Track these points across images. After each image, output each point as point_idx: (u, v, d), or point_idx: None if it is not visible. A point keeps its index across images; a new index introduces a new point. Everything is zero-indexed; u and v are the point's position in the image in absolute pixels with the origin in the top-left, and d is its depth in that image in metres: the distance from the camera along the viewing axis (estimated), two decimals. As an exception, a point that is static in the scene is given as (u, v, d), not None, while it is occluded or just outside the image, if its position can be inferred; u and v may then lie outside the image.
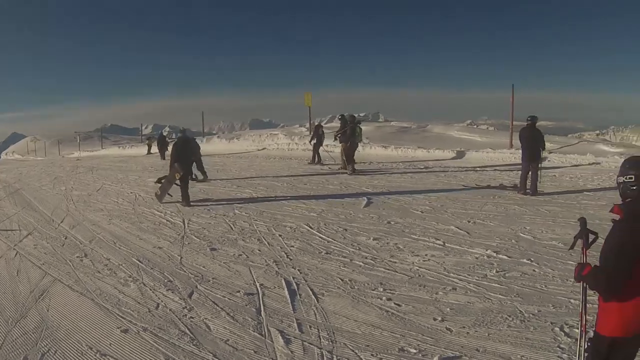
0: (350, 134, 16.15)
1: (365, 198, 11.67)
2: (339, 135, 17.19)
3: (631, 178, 3.14)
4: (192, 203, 11.80)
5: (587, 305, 3.45)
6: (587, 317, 3.43)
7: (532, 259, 7.19)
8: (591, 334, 3.36)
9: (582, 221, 3.66)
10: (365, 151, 21.18)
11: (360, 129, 16.38)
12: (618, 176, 3.25)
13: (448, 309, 5.58)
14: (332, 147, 19.75)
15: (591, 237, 3.61)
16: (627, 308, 3.05)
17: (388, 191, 12.73)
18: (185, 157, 12.18)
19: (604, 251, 3.09)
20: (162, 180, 12.40)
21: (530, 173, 11.93)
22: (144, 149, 32.12)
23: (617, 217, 3.20)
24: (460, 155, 20.14)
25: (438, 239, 8.22)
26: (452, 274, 6.65)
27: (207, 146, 26.49)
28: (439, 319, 5.34)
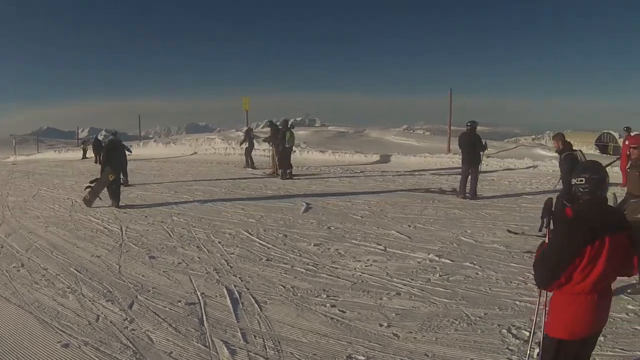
0: (281, 139, 16.14)
1: (304, 203, 11.51)
2: (269, 141, 17.18)
3: (582, 180, 3.27)
4: (129, 209, 11.42)
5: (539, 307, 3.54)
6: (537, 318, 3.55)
7: (475, 262, 7.19)
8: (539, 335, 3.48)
9: (548, 202, 3.72)
10: (303, 156, 21.12)
11: (292, 133, 16.26)
12: (571, 178, 3.36)
13: (393, 314, 5.47)
14: (263, 152, 19.72)
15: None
16: (570, 312, 3.19)
17: (327, 196, 12.61)
18: (116, 159, 12.02)
19: (550, 245, 3.25)
20: (93, 185, 11.91)
21: (469, 177, 12.05)
22: (80, 153, 30.98)
23: None
24: (396, 159, 20.36)
25: (379, 244, 8.14)
26: (395, 279, 6.56)
27: (143, 150, 25.85)
28: (385, 324, 5.22)
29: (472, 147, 12.01)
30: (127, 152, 13.97)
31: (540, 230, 3.81)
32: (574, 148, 8.68)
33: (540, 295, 3.56)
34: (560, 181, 8.78)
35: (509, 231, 8.93)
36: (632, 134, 15.20)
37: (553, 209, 3.60)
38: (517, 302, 5.75)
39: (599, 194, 3.27)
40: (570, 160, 8.21)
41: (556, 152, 8.80)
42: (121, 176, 13.02)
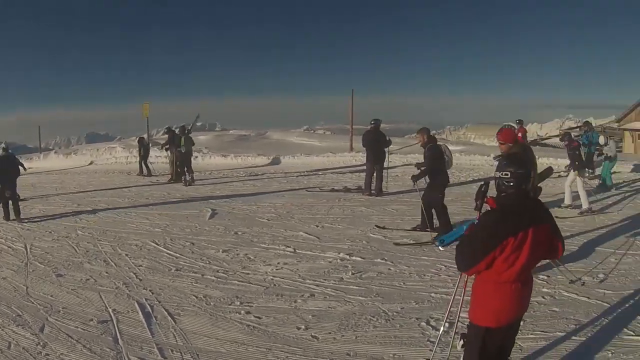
0: (177, 144, 15.79)
1: (209, 209, 11.13)
2: (167, 147, 16.78)
3: (507, 174, 3.31)
4: (32, 225, 10.56)
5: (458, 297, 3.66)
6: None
7: (386, 258, 7.23)
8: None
9: (486, 183, 3.81)
10: (205, 161, 20.60)
11: (189, 138, 15.82)
12: (495, 171, 3.40)
13: (310, 316, 5.37)
14: (159, 159, 19.20)
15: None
16: (496, 300, 3.27)
17: (232, 201, 12.29)
18: (8, 173, 11.20)
19: (474, 232, 3.34)
20: None
21: (375, 174, 12.15)
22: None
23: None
24: (299, 160, 20.26)
25: (288, 246, 8.01)
26: (308, 281, 6.47)
27: (44, 163, 24.19)
28: (303, 327, 5.10)
29: (377, 144, 12.12)
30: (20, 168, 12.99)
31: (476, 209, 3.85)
32: (438, 143, 8.98)
33: (458, 286, 3.69)
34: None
35: (377, 226, 9.14)
36: (523, 126, 16.14)
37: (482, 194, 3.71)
38: (432, 295, 5.80)
39: (524, 188, 3.33)
40: (434, 151, 8.52)
41: (421, 145, 9.05)
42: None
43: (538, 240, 3.24)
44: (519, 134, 14.92)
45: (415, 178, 8.46)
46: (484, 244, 3.18)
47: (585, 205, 10.47)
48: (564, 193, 10.85)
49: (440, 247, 6.95)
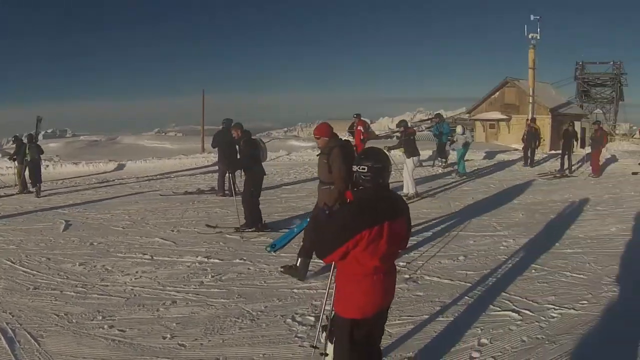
0: (23, 153, 14.79)
1: (63, 221, 10.45)
2: (14, 157, 15.58)
3: (364, 168, 3.33)
4: None
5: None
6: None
7: (245, 258, 7.32)
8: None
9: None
10: (57, 170, 19.21)
11: (36, 146, 14.81)
12: (353, 165, 3.42)
13: (174, 324, 5.29)
14: (10, 170, 17.56)
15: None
16: (360, 292, 3.30)
17: (85, 210, 11.66)
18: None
19: (331, 222, 3.38)
20: None
21: (228, 174, 12.14)
22: None
23: None
24: (151, 163, 19.76)
25: (145, 254, 7.81)
26: (168, 287, 6.36)
27: None
28: (169, 336, 5.02)
29: (228, 145, 12.14)
30: None
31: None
32: (252, 137, 9.34)
33: (330, 281, 3.65)
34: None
35: (207, 225, 9.35)
36: (361, 119, 16.95)
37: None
38: (294, 291, 5.96)
39: (381, 182, 3.39)
40: (251, 144, 8.91)
41: (235, 140, 9.48)
42: None
43: (395, 233, 3.30)
44: (359, 127, 15.69)
45: (231, 169, 8.86)
46: (339, 235, 3.20)
47: (411, 191, 11.24)
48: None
49: (273, 252, 7.12)
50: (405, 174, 11.61)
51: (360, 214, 3.24)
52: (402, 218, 3.44)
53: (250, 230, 8.73)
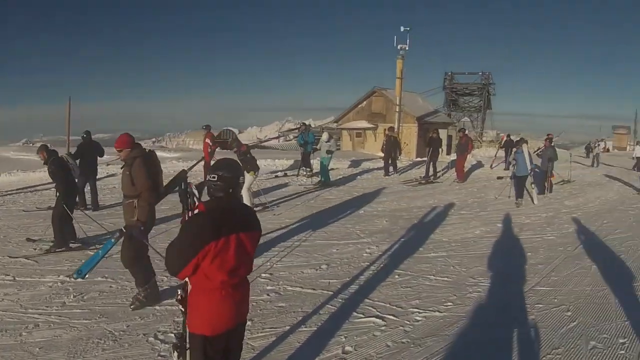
0: None
1: None
2: None
3: (214, 177, 3.39)
4: None
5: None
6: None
7: (107, 275, 7.26)
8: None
9: (186, 183, 4.16)
10: None
11: None
12: (208, 173, 3.48)
13: (37, 349, 5.18)
14: None
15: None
16: (208, 307, 3.32)
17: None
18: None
19: (179, 235, 3.34)
20: None
21: (88, 185, 12.42)
22: None
23: None
24: (16, 177, 18.79)
25: (8, 274, 7.49)
26: (30, 310, 6.17)
27: None
28: (31, 362, 4.93)
29: (88, 156, 12.33)
30: None
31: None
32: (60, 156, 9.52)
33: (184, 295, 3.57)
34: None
35: (28, 239, 9.34)
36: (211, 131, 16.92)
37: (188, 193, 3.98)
38: (156, 308, 6.05)
39: (231, 192, 3.42)
40: (62, 167, 9.12)
41: (43, 163, 9.38)
42: None
43: (244, 245, 3.34)
44: (207, 140, 15.86)
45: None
46: (187, 249, 3.20)
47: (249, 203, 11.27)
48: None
49: (80, 279, 6.65)
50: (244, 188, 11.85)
51: (207, 224, 3.25)
52: (254, 233, 3.51)
53: (60, 250, 8.64)
